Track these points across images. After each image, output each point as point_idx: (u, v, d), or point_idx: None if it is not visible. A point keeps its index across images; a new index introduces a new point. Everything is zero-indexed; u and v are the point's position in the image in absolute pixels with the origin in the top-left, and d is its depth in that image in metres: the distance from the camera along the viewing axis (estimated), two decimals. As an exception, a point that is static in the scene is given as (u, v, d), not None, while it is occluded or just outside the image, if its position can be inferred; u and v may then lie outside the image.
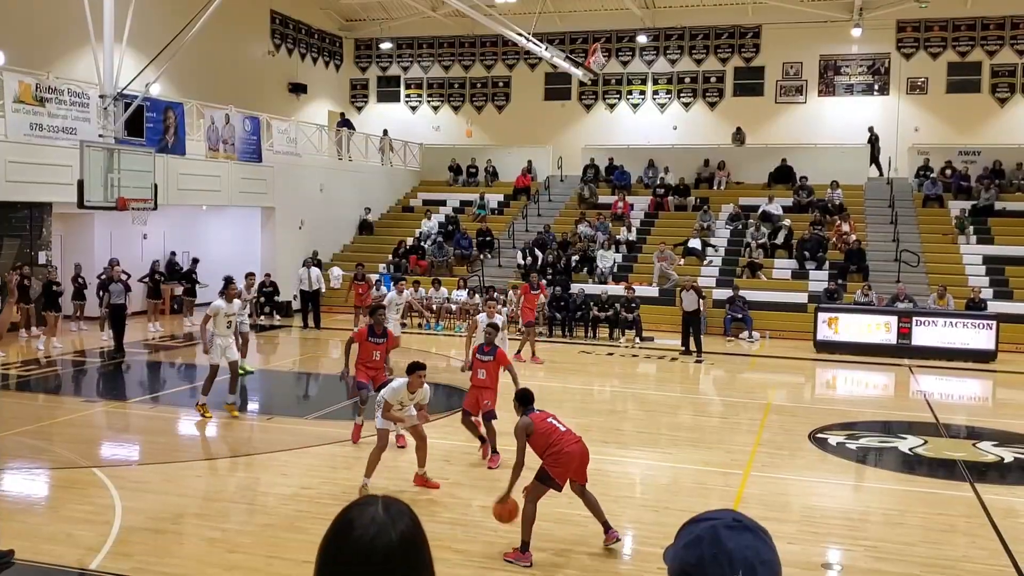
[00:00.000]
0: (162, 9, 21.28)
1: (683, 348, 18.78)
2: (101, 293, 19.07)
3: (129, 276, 19.38)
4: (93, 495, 8.93)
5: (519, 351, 17.45)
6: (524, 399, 7.97)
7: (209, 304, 13.10)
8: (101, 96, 16.34)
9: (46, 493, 9.41)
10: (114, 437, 12.14)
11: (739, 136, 29.71)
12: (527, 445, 7.58)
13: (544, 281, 21.47)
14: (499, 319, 13.43)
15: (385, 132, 31.41)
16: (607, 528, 7.65)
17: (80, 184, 15.22)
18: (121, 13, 16.06)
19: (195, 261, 22.79)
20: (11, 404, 13.44)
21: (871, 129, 28.13)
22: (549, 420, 7.73)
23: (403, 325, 16.28)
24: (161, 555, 7.40)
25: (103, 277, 19.21)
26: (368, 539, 1.66)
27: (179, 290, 22.68)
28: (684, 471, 10.36)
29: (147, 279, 21.53)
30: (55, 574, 7.03)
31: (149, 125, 17.42)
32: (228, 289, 12.96)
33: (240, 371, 15.75)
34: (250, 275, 16.42)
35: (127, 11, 15.81)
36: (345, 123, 30.43)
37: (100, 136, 16.33)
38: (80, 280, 20.34)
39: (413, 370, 9.04)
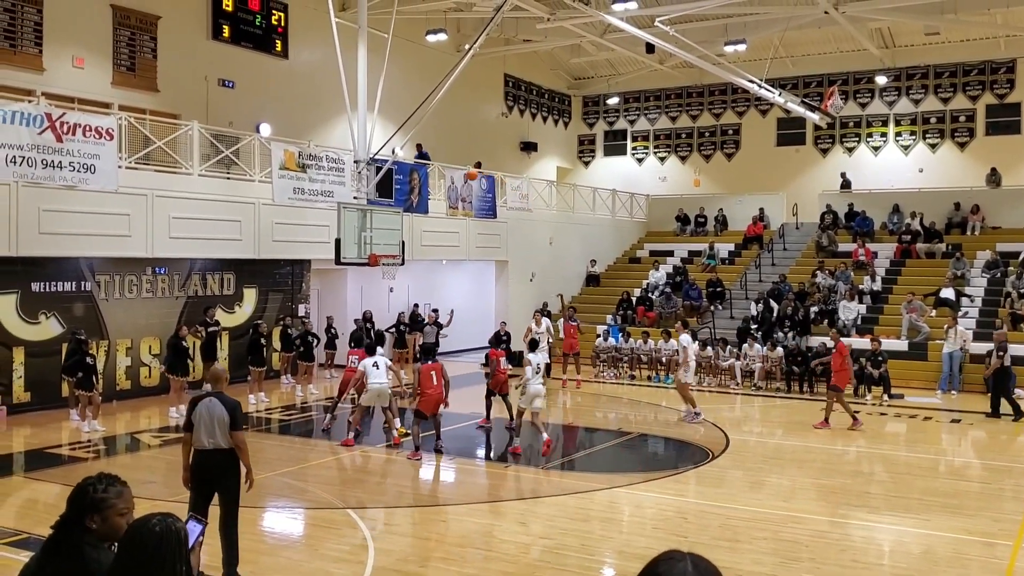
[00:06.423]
0: (408, 79, 22.91)
1: (991, 411, 17.28)
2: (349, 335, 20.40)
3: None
4: (348, 535, 9.53)
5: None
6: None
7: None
8: (356, 161, 17.73)
9: (305, 531, 10.13)
10: (364, 480, 12.91)
11: (994, 177, 27.52)
12: None
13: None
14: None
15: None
16: None
17: (337, 242, 16.56)
18: (372, 85, 17.44)
19: (435, 311, 23.95)
20: (274, 446, 14.64)
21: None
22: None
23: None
24: (410, 596, 7.75)
25: (413, 321, 22.17)
26: None
27: (423, 339, 23.89)
28: (940, 539, 9.56)
29: (394, 329, 22.83)
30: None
31: (397, 187, 18.67)
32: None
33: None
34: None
35: (378, 83, 17.16)
36: (422, 155, 24.82)
37: (354, 198, 17.70)
38: (332, 331, 21.93)
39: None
